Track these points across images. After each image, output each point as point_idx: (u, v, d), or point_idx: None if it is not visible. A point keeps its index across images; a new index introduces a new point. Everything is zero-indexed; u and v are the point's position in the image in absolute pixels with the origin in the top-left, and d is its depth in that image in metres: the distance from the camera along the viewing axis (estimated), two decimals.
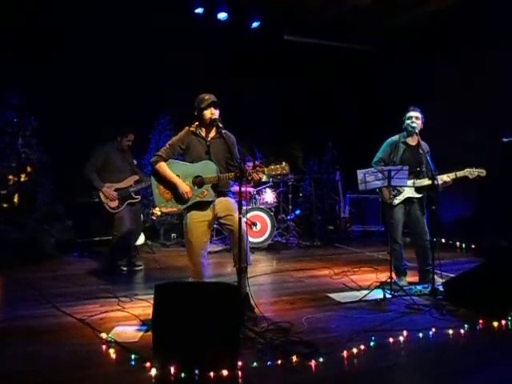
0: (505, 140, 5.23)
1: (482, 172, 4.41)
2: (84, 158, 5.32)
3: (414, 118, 4.61)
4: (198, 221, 3.76)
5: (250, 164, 3.76)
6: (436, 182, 4.23)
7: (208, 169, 3.72)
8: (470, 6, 7.19)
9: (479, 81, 7.44)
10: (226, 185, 3.89)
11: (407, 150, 4.68)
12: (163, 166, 3.76)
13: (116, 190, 5.37)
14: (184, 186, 3.71)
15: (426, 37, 8.32)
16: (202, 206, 3.77)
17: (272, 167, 3.65)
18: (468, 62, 7.73)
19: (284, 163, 3.64)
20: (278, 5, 7.83)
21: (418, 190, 4.60)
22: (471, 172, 4.41)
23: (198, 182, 3.73)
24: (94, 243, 6.80)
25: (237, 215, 3.66)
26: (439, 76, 8.37)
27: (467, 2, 7.21)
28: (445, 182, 4.43)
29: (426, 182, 4.51)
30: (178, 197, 3.74)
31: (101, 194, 5.30)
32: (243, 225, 3.68)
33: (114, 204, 5.34)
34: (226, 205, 3.78)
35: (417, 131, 4.58)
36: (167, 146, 3.84)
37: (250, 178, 3.61)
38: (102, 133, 5.53)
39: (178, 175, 3.75)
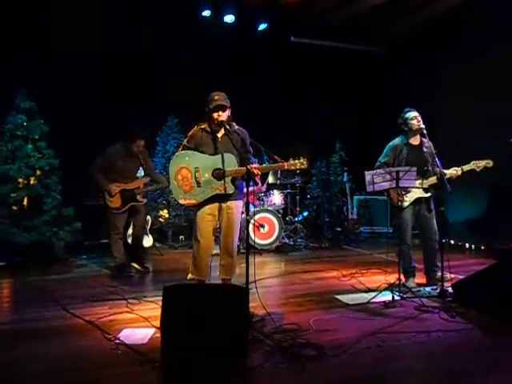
0: None
1: (489, 163, 4.38)
2: (92, 161, 5.34)
3: (419, 118, 4.59)
4: (207, 220, 3.81)
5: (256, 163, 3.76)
6: (444, 181, 4.22)
7: (228, 161, 3.71)
8: (477, 6, 7.16)
9: (486, 80, 7.40)
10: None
11: (411, 151, 4.65)
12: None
13: (122, 190, 5.34)
14: None
15: (432, 37, 8.30)
16: (214, 202, 3.80)
17: (291, 162, 3.65)
18: (474, 61, 7.70)
19: (302, 158, 3.63)
20: (285, 7, 7.85)
21: (425, 189, 4.58)
22: (477, 164, 4.39)
23: (218, 174, 3.72)
24: (102, 245, 6.84)
25: (234, 238, 3.85)
26: (447, 76, 8.34)
27: (473, 3, 7.17)
28: (453, 174, 4.41)
29: (434, 180, 4.49)
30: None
31: (106, 194, 5.29)
32: (236, 245, 3.92)
33: (117, 204, 5.30)
34: (231, 221, 3.84)
35: (425, 131, 4.55)
36: (180, 148, 3.93)
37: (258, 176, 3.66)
38: (114, 133, 5.52)
39: (197, 167, 3.74)
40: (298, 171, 3.76)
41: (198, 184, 3.74)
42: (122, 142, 5.42)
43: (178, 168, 3.78)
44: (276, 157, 3.73)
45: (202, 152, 3.80)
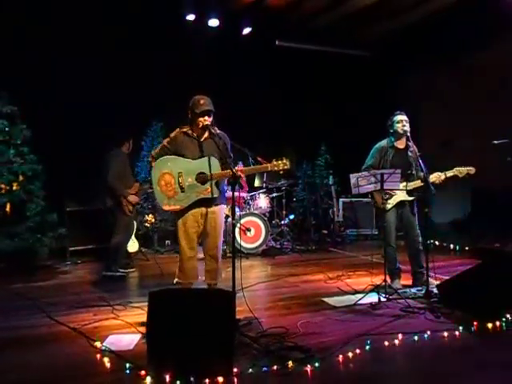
0: (496, 142, 5.26)
1: (471, 170, 4.45)
2: (76, 166, 5.29)
3: (405, 122, 4.64)
4: (189, 225, 3.79)
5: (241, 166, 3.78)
6: (428, 184, 4.27)
7: (212, 165, 3.69)
8: (466, 8, 7.23)
9: (477, 83, 7.51)
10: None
11: (396, 154, 4.70)
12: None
13: None
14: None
15: (418, 40, 8.39)
16: (197, 207, 3.78)
17: (275, 163, 3.67)
18: (465, 64, 7.82)
19: (285, 159, 3.66)
20: (270, 11, 7.88)
21: (409, 192, 4.62)
22: (460, 171, 4.46)
23: (202, 178, 3.70)
24: (87, 251, 6.77)
25: (218, 242, 3.84)
26: (434, 79, 8.45)
27: (462, 5, 7.24)
28: (436, 179, 4.46)
29: (418, 183, 4.54)
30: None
31: (123, 200, 5.38)
32: (220, 250, 3.91)
33: (132, 209, 5.52)
34: (214, 226, 3.84)
35: (408, 134, 4.60)
36: (160, 147, 3.90)
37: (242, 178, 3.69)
38: (110, 140, 5.61)
39: (180, 172, 3.71)
40: (281, 172, 3.77)
41: (182, 189, 3.71)
42: (117, 147, 5.54)
43: (161, 174, 3.75)
44: (260, 159, 3.74)
45: (182, 155, 3.77)
